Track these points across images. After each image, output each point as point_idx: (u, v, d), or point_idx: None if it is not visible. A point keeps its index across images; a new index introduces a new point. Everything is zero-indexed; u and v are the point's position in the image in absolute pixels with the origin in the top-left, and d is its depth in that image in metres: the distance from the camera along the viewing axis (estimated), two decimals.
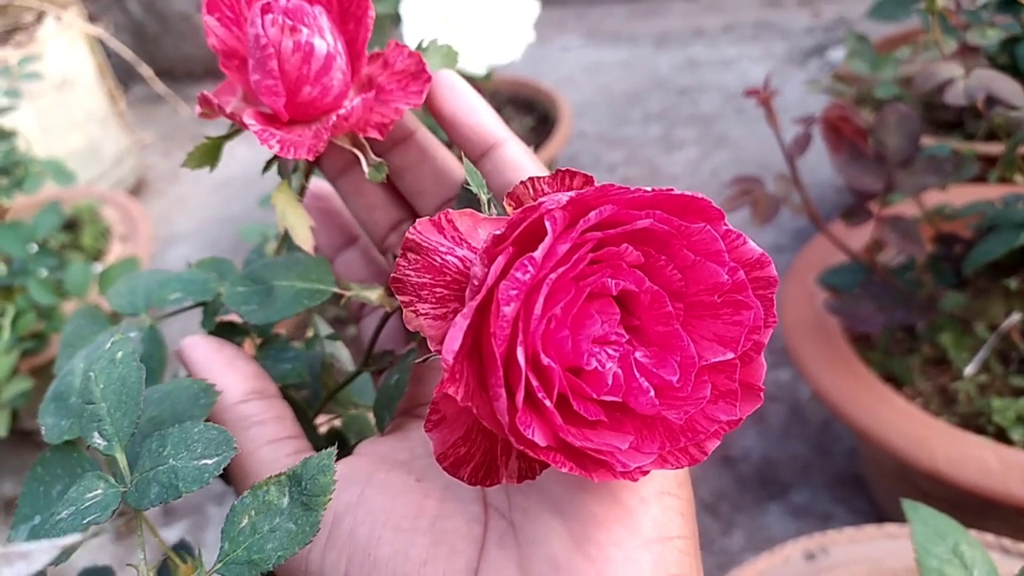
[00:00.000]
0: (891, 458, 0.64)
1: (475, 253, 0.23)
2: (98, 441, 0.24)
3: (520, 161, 0.31)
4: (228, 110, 0.30)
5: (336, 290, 0.32)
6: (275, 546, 0.21)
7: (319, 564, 0.26)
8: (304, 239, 0.32)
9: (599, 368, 0.22)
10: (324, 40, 0.29)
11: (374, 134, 0.31)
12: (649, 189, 0.21)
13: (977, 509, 0.61)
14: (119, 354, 0.25)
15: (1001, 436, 0.64)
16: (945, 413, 0.67)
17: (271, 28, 0.28)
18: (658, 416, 0.22)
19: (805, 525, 0.81)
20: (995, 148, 0.86)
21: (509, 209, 0.24)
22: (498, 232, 0.21)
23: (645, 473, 0.22)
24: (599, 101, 1.71)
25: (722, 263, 0.21)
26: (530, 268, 0.20)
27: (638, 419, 0.22)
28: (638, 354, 0.23)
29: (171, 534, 0.92)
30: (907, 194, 0.61)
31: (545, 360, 0.21)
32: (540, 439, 0.21)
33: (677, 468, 0.22)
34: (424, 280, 0.23)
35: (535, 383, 0.21)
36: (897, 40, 1.16)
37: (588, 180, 0.24)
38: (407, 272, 0.23)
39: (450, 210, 0.23)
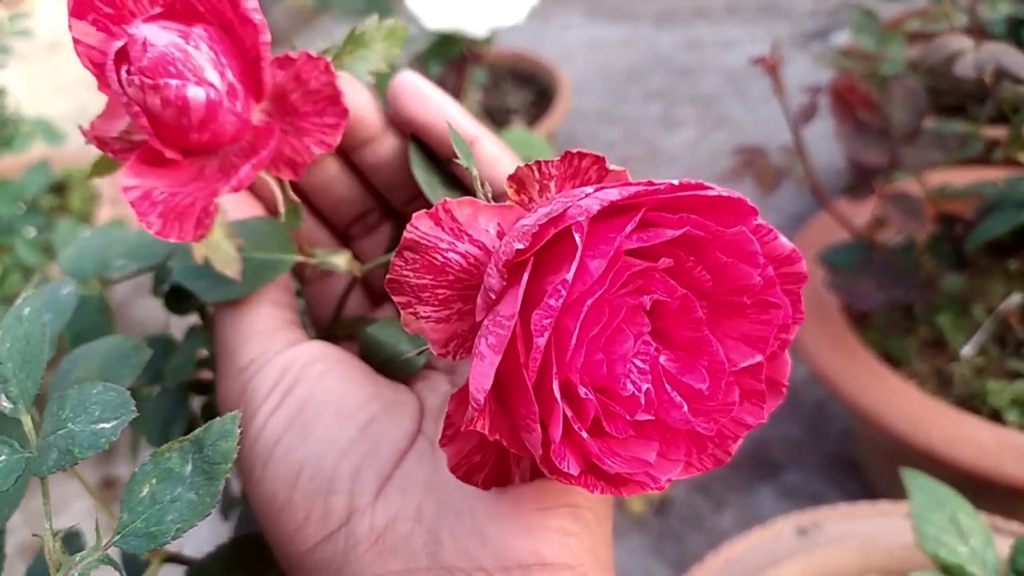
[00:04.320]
0: (887, 438, 0.63)
1: (478, 247, 0.21)
2: (4, 404, 0.23)
3: (495, 157, 0.30)
4: (116, 135, 0.26)
5: (299, 258, 0.30)
6: (175, 517, 0.20)
7: (264, 420, 0.26)
8: (227, 263, 0.27)
9: (635, 391, 0.21)
10: (204, 84, 0.24)
11: (288, 175, 0.26)
12: (677, 183, 0.20)
13: (971, 491, 0.61)
14: (26, 311, 0.24)
15: (995, 418, 0.63)
16: (941, 394, 0.67)
17: (130, 88, 0.23)
18: (693, 428, 0.21)
19: (796, 506, 0.80)
20: (998, 132, 0.86)
21: (510, 191, 0.22)
22: (520, 245, 0.19)
23: (672, 480, 0.21)
24: (599, 79, 1.69)
25: (755, 264, 0.21)
26: (563, 292, 0.19)
27: (664, 426, 0.22)
28: (663, 359, 0.22)
29: None
30: (911, 170, 0.60)
31: (583, 391, 0.20)
32: (574, 469, 0.20)
33: (702, 472, 0.22)
34: (424, 281, 0.21)
35: (570, 414, 0.20)
36: (902, 21, 1.15)
37: (598, 161, 0.22)
38: (405, 273, 0.21)
39: (448, 199, 0.21)
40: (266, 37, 0.25)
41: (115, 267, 0.33)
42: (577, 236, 0.19)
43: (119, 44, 0.24)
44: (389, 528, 0.24)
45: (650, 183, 0.20)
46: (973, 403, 0.65)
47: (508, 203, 0.22)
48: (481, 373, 0.19)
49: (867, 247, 0.68)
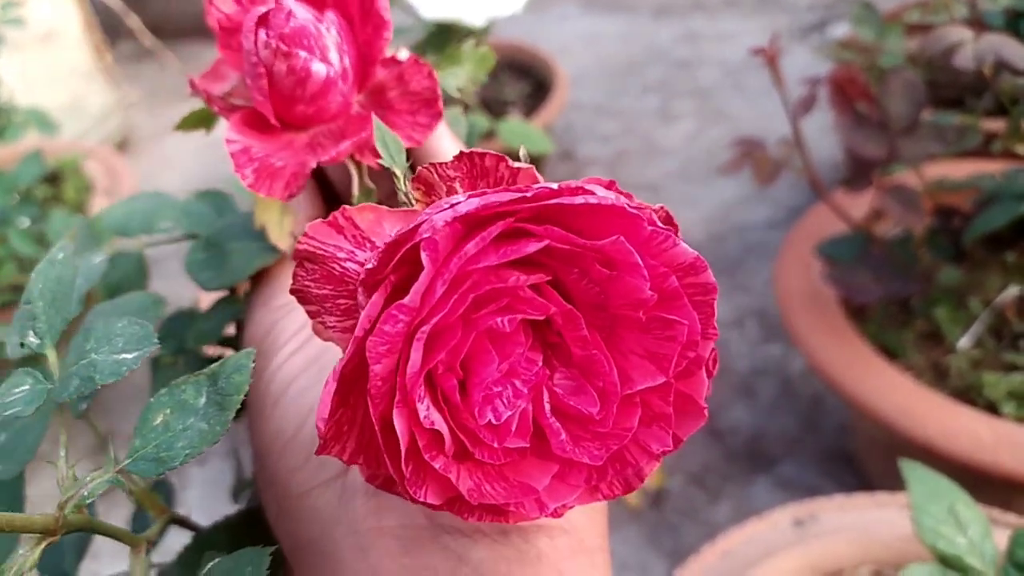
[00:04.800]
0: (883, 430, 0.63)
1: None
2: (32, 340, 0.24)
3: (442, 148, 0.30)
4: (219, 95, 0.28)
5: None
6: (185, 444, 0.21)
7: (284, 359, 0.27)
8: (279, 237, 0.29)
9: (492, 420, 0.19)
10: (326, 63, 0.26)
11: (369, 160, 0.28)
12: (556, 187, 0.18)
13: (968, 483, 0.61)
14: (59, 256, 0.25)
15: (991, 411, 0.63)
16: (937, 387, 0.67)
17: (263, 50, 0.26)
18: (574, 457, 0.20)
19: (792, 498, 0.80)
20: (996, 124, 0.86)
21: (418, 194, 0.21)
22: (371, 265, 0.18)
23: (570, 507, 0.20)
24: (596, 71, 1.68)
25: (641, 276, 0.18)
26: (402, 317, 0.17)
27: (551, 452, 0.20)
28: (557, 376, 0.20)
29: None
30: (909, 162, 0.60)
31: (426, 420, 0.18)
32: (435, 499, 0.19)
33: (611, 498, 0.21)
34: (326, 292, 0.20)
35: (421, 443, 0.18)
36: (901, 13, 1.15)
37: (502, 160, 0.20)
38: (306, 283, 0.20)
39: (347, 207, 0.20)
40: (388, 34, 0.27)
41: (160, 229, 0.35)
42: (424, 255, 0.17)
43: (263, 9, 0.26)
44: None
45: (522, 189, 0.18)
46: (969, 396, 0.65)
47: (416, 207, 0.21)
48: (323, 402, 0.18)
49: (865, 239, 0.68)
